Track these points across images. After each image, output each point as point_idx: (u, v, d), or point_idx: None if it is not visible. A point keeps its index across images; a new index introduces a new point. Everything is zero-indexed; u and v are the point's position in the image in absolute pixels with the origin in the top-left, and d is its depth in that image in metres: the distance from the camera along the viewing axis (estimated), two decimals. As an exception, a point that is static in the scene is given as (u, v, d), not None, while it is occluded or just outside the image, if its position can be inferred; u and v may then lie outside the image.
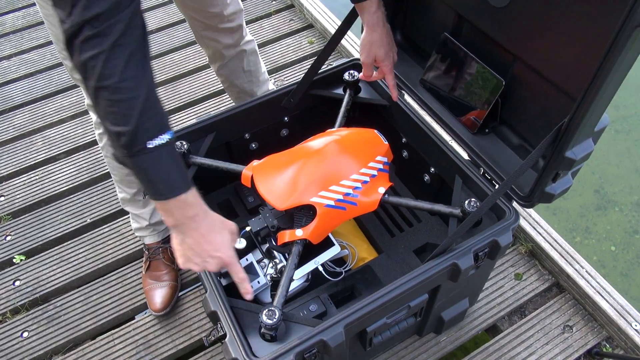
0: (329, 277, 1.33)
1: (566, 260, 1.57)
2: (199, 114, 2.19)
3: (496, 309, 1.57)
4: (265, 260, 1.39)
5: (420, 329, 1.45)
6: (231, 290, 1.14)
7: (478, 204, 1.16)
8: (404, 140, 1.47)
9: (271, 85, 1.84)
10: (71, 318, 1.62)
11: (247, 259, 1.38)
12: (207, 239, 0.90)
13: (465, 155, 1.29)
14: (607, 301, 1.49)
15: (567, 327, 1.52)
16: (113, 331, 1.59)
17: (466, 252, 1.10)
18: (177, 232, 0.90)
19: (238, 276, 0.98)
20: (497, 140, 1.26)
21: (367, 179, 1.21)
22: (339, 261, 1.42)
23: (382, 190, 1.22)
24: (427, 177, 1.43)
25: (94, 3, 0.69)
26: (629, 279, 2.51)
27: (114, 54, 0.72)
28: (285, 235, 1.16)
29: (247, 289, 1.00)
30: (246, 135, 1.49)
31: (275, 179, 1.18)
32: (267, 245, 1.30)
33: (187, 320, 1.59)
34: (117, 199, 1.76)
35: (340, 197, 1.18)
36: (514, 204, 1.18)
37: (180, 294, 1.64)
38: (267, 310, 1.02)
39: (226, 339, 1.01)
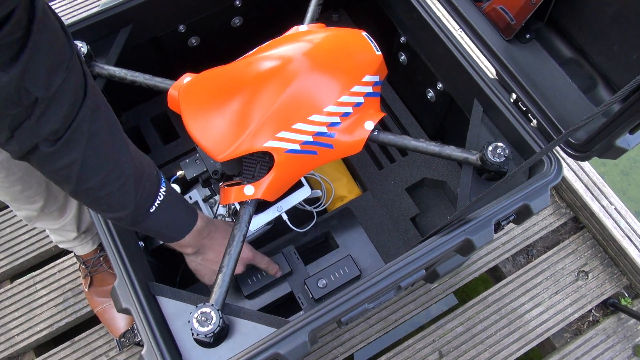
0: (295, 228, 1.02)
1: (592, 194, 1.27)
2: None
3: (500, 249, 1.30)
4: (216, 197, 1.08)
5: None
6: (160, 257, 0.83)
7: (508, 152, 0.80)
8: (402, 39, 1.05)
9: None
10: (-19, 256, 1.32)
11: (190, 197, 1.07)
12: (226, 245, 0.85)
13: (491, 72, 0.90)
14: (636, 246, 1.22)
15: (582, 272, 1.27)
16: (34, 273, 1.30)
17: (485, 224, 0.77)
18: (195, 255, 0.84)
19: (264, 262, 0.93)
20: (541, 50, 0.87)
21: (350, 109, 0.83)
22: (310, 199, 1.10)
23: (370, 125, 0.84)
24: (431, 94, 1.05)
25: (44, 122, 0.55)
26: (629, 178, 2.44)
27: (88, 159, 0.61)
28: (230, 195, 0.82)
29: (276, 269, 0.95)
30: (180, 27, 1.05)
31: (213, 113, 0.79)
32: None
33: (125, 261, 1.30)
34: None
35: (309, 138, 0.81)
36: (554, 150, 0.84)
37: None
38: (199, 312, 0.72)
39: (143, 352, 0.71)
